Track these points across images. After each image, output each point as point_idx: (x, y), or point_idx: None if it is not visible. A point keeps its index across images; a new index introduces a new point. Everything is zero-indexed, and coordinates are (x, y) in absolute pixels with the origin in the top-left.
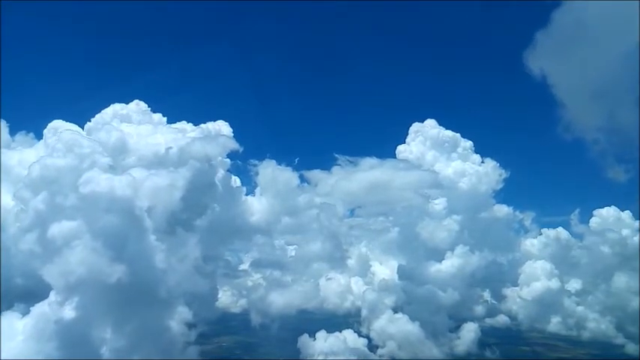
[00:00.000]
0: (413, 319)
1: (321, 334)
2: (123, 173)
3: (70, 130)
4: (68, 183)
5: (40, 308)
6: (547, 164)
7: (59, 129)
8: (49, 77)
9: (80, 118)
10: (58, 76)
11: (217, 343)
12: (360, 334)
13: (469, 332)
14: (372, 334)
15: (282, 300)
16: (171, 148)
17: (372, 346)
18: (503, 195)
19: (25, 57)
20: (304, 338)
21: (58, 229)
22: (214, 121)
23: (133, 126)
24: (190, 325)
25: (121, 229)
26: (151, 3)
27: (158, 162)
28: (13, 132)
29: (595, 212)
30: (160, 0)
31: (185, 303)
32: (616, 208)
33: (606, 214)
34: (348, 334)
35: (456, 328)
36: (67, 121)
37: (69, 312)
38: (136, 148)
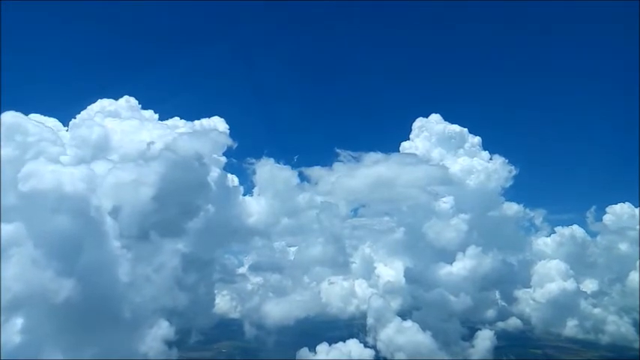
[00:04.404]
0: (423, 326)
1: (322, 347)
2: (78, 165)
3: (12, 113)
4: (6, 177)
5: None
6: (556, 160)
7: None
8: (45, 78)
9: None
10: (55, 76)
11: (217, 348)
12: (366, 345)
13: (484, 340)
14: (379, 345)
15: (282, 304)
16: (153, 143)
17: (379, 358)
18: (513, 192)
19: (20, 57)
20: (304, 352)
21: None
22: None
23: (117, 121)
24: (171, 343)
25: (74, 233)
26: (151, 3)
27: (141, 159)
28: None
29: (608, 209)
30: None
31: (177, 313)
32: (630, 204)
33: (620, 210)
34: (353, 345)
35: (469, 336)
36: (62, 120)
37: (13, 336)
38: (119, 144)
